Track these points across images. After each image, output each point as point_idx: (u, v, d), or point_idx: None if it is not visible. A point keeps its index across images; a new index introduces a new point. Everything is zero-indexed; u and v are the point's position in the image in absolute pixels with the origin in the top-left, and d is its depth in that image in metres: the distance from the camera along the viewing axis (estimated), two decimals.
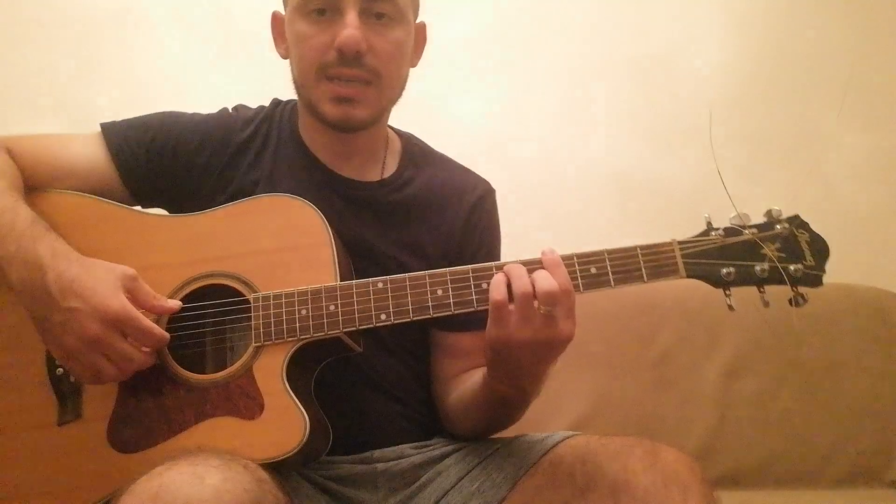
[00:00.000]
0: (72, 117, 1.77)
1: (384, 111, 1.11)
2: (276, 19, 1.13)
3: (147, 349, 0.91)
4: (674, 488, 0.83)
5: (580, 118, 1.97)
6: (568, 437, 0.97)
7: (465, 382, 1.08)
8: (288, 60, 1.10)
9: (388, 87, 1.05)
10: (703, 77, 1.99)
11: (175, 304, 0.95)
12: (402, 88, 1.10)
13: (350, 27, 0.99)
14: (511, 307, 0.84)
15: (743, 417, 1.67)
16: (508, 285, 0.85)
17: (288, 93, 1.18)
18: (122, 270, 0.92)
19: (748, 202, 0.93)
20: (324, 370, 1.01)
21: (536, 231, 1.84)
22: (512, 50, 1.98)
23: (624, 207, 1.96)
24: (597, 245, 2.15)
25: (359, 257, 1.06)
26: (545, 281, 0.84)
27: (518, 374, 0.91)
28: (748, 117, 1.98)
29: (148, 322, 0.90)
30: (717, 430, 1.66)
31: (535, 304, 0.83)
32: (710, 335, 1.72)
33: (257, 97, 1.23)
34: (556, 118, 1.97)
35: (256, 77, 1.85)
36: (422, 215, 1.13)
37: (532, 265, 0.87)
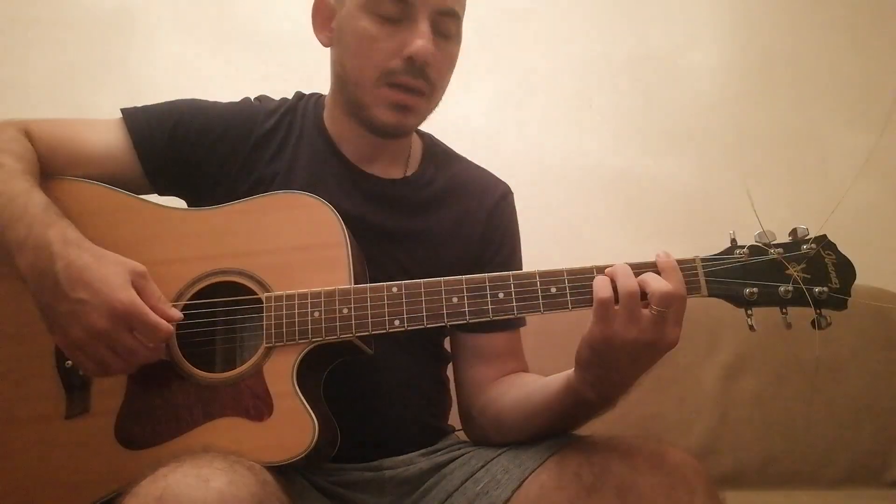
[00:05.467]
0: (71, 117, 1.76)
1: (425, 119, 1.11)
2: (322, 2, 1.08)
3: (152, 345, 0.90)
4: (680, 489, 0.84)
5: (579, 118, 1.98)
6: (573, 437, 0.96)
7: (519, 388, 1.05)
8: (329, 50, 1.07)
9: (436, 98, 1.06)
10: (703, 77, 2.00)
11: (176, 314, 0.92)
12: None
13: (424, 38, 0.98)
14: (616, 307, 0.83)
15: (743, 417, 1.68)
16: (614, 287, 0.84)
17: (285, 93, 1.18)
18: (133, 266, 0.90)
19: (747, 203, 0.92)
20: (334, 371, 0.99)
21: (535, 231, 1.84)
22: (512, 50, 1.98)
23: (623, 208, 1.96)
24: (595, 245, 2.13)
25: (377, 254, 1.05)
26: (660, 282, 0.83)
27: (611, 378, 0.88)
28: (748, 117, 1.98)
29: (155, 317, 0.88)
30: (717, 430, 1.66)
31: (648, 305, 0.82)
32: (710, 335, 1.73)
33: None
34: (556, 118, 1.97)
35: (257, 77, 1.86)
36: (443, 214, 1.13)
37: (637, 268, 0.86)
